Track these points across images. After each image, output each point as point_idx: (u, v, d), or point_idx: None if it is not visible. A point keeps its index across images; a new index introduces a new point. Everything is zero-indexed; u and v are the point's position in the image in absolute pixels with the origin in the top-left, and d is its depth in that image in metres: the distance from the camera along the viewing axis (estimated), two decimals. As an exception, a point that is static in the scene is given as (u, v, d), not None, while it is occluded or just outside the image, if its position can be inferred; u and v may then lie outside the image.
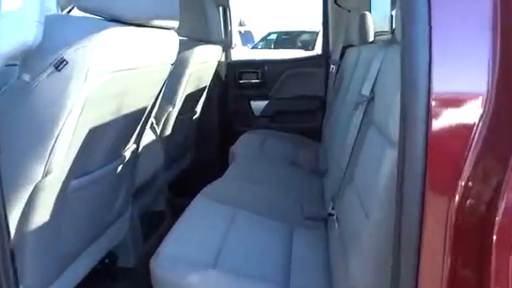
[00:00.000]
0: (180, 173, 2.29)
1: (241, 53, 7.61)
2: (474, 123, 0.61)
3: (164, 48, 1.23)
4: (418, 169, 0.62)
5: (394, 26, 2.46)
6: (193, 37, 2.01)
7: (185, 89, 1.95)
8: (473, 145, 0.61)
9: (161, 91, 1.35)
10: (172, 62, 1.32)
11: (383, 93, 1.11)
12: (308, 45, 8.08)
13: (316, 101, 2.66)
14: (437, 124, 0.61)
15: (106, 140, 1.11)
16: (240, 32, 10.34)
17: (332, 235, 1.24)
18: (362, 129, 1.29)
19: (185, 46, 1.91)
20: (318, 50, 7.58)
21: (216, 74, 2.50)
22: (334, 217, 1.24)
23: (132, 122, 1.25)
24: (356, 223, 0.97)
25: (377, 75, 1.24)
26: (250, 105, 2.69)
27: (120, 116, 1.12)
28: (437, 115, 0.61)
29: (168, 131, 1.99)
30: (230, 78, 2.71)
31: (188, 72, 1.91)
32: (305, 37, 8.63)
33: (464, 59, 0.63)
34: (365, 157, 1.11)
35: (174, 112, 1.96)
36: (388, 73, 1.12)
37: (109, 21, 0.96)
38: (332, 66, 2.49)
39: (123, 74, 1.02)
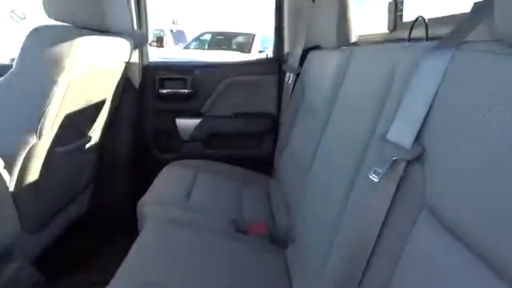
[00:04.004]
0: (65, 231, 1.52)
1: (172, 52, 6.87)
2: None
3: None
4: None
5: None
6: (82, 24, 1.26)
7: (60, 107, 1.20)
8: None
9: None
10: None
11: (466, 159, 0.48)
12: (244, 47, 7.46)
13: (265, 120, 1.98)
14: None
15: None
16: (172, 31, 9.72)
17: None
18: (393, 211, 0.64)
19: (62, 37, 1.16)
20: (254, 53, 7.03)
21: (125, 81, 1.74)
22: None
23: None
24: None
25: (428, 112, 0.59)
26: (175, 124, 1.95)
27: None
28: None
29: (33, 175, 1.22)
30: (147, 86, 1.94)
31: (64, 81, 1.16)
32: (240, 39, 7.99)
33: None
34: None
35: (42, 144, 1.19)
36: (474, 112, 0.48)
37: None
38: (288, 73, 1.83)
39: None
